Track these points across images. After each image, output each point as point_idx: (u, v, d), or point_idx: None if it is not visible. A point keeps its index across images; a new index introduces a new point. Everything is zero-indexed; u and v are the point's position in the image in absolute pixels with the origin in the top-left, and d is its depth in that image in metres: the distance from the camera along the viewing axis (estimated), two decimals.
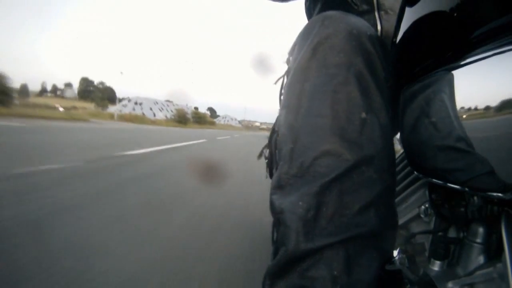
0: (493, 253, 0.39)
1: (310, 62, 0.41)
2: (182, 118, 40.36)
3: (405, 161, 0.67)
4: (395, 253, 0.62)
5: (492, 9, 0.28)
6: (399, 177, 0.69)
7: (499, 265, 0.36)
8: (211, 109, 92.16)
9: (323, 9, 0.67)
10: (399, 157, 0.71)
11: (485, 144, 0.30)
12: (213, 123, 58.30)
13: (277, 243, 0.39)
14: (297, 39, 0.46)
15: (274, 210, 0.39)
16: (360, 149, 0.37)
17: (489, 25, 0.28)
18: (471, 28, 0.30)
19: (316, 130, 0.38)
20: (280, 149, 0.42)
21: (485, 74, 0.29)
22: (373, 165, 0.37)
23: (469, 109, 0.30)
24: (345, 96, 0.38)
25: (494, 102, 0.27)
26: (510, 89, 0.26)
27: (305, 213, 0.35)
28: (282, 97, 0.46)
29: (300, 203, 0.36)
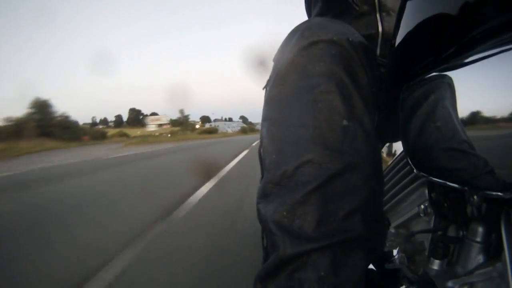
0: (493, 252, 0.39)
1: (290, 72, 0.41)
2: (244, 130, 63.16)
3: (405, 160, 0.67)
4: (395, 252, 0.62)
5: (494, 6, 0.28)
6: (398, 176, 0.69)
7: (498, 264, 0.36)
8: (243, 117, 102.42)
9: (323, 8, 0.66)
10: (398, 156, 0.71)
11: (486, 143, 0.29)
12: None
13: (267, 249, 0.40)
14: (280, 47, 0.47)
15: (261, 218, 0.40)
16: (343, 157, 0.37)
17: (490, 23, 0.28)
18: (472, 26, 0.30)
19: (298, 140, 0.38)
20: (264, 159, 0.43)
21: (486, 73, 0.28)
22: (357, 172, 0.37)
23: (470, 107, 0.30)
24: (326, 105, 0.38)
25: (495, 101, 0.27)
26: (511, 87, 0.26)
27: (291, 222, 0.36)
28: (263, 108, 0.46)
29: (285, 213, 0.37)
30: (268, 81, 0.50)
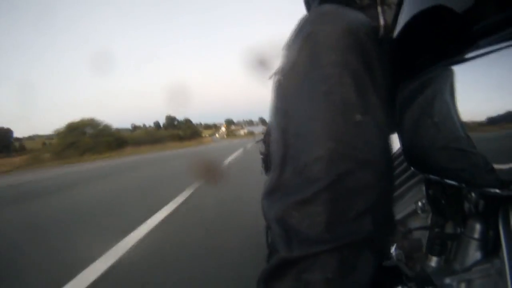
0: (491, 249, 0.39)
1: (302, 61, 0.38)
2: None
3: (402, 157, 0.66)
4: (392, 249, 0.62)
5: (494, 2, 0.27)
6: (395, 173, 0.69)
7: (496, 261, 0.36)
8: (262, 119, 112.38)
9: (323, 2, 0.65)
10: (395, 152, 0.71)
11: (483, 140, 0.29)
12: None
13: (271, 247, 0.38)
14: (291, 35, 0.44)
15: (266, 216, 0.39)
16: (355, 153, 0.35)
17: (490, 19, 0.28)
18: (472, 21, 0.29)
19: (309, 134, 0.36)
20: (273, 153, 0.40)
21: (485, 69, 0.28)
22: (370, 170, 0.35)
23: (468, 104, 0.30)
24: (339, 97, 0.36)
25: (493, 97, 0.27)
26: (510, 84, 0.25)
27: (299, 222, 0.35)
28: (272, 97, 0.43)
29: (294, 212, 0.35)
30: (278, 69, 0.48)
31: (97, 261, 1.48)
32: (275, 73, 0.48)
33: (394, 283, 0.58)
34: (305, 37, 0.39)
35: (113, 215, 2.61)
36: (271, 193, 0.39)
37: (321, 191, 0.34)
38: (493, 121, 0.27)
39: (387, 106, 0.41)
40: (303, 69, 0.38)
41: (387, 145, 0.40)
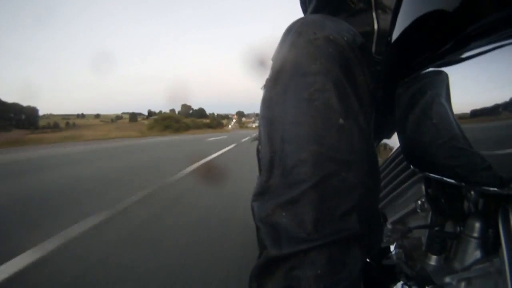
0: (490, 248, 0.39)
1: (286, 70, 0.41)
2: None
3: (401, 156, 0.66)
4: (392, 248, 0.62)
5: (490, 2, 0.27)
6: (394, 172, 0.69)
7: (496, 260, 0.36)
8: None
9: (319, 5, 0.66)
10: (394, 151, 0.71)
11: (482, 139, 0.29)
12: None
13: (261, 247, 0.40)
14: (277, 45, 0.47)
15: (255, 217, 0.40)
16: (339, 155, 0.37)
17: (487, 19, 0.28)
18: (468, 22, 0.29)
19: (294, 138, 0.38)
20: (261, 158, 0.43)
21: (482, 69, 0.28)
22: (353, 170, 0.37)
23: (466, 103, 0.30)
24: (322, 103, 0.38)
25: (492, 96, 0.27)
26: (509, 84, 0.25)
27: (287, 221, 0.36)
28: (260, 107, 0.46)
29: (282, 212, 0.36)
30: (266, 80, 0.50)
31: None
32: (265, 83, 0.50)
33: (394, 282, 0.58)
34: (288, 47, 0.41)
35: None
36: (260, 195, 0.40)
37: (307, 192, 0.36)
38: (491, 120, 0.27)
39: (370, 110, 0.44)
40: (287, 78, 0.40)
41: (370, 147, 0.42)
